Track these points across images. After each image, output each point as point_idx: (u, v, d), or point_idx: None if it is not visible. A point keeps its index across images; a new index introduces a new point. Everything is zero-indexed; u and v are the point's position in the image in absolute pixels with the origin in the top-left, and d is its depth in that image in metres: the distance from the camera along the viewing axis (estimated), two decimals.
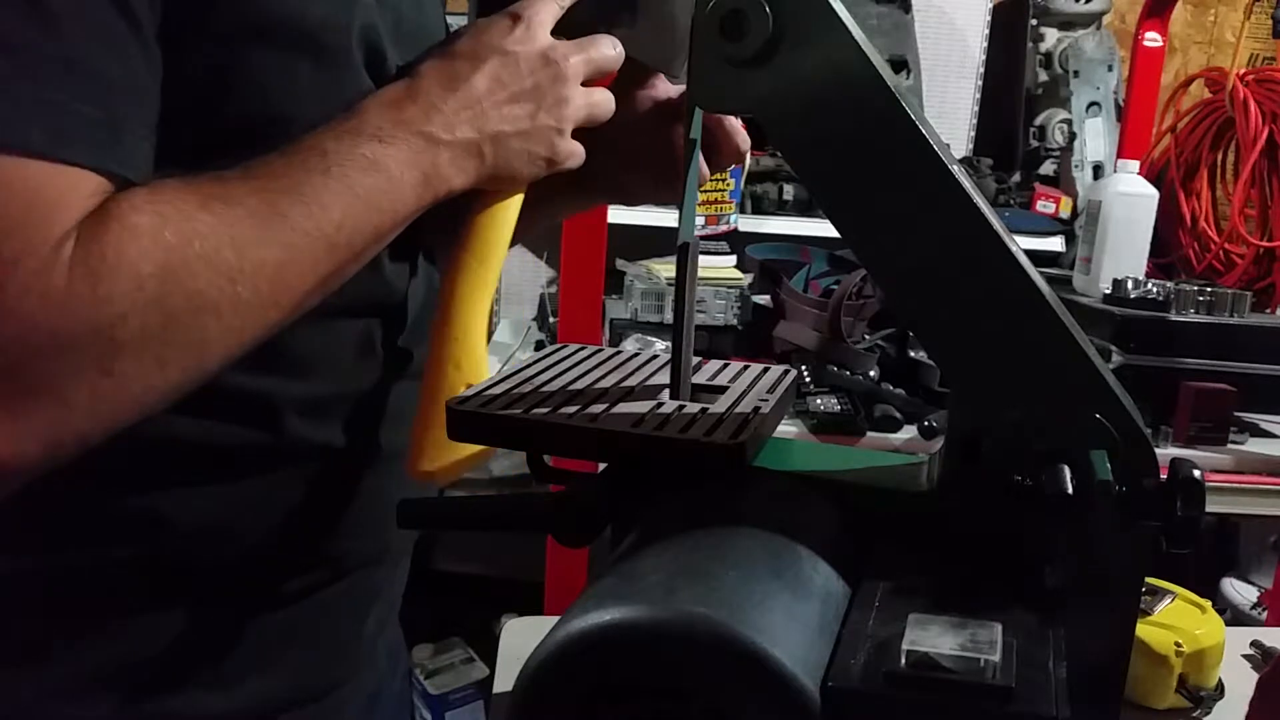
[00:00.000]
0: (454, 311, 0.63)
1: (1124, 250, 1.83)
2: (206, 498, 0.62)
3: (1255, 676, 0.87)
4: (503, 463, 2.30)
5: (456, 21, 0.77)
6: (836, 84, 0.48)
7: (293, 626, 0.68)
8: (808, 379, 1.59)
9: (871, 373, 1.62)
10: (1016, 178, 2.29)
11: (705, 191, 1.76)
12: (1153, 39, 2.19)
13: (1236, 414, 1.55)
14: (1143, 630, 0.89)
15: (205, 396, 0.58)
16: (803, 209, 2.04)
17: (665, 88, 0.73)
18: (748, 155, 0.75)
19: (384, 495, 0.69)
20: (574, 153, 0.64)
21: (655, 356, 0.65)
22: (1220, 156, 2.18)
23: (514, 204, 0.64)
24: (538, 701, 0.40)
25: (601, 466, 0.55)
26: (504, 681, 0.99)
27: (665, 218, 1.95)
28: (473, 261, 0.64)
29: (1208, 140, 2.15)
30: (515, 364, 0.62)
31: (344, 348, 0.66)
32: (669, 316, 1.69)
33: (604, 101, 0.65)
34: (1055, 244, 2.18)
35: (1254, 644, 1.04)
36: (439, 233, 0.69)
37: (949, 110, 2.37)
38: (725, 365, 0.65)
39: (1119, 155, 2.13)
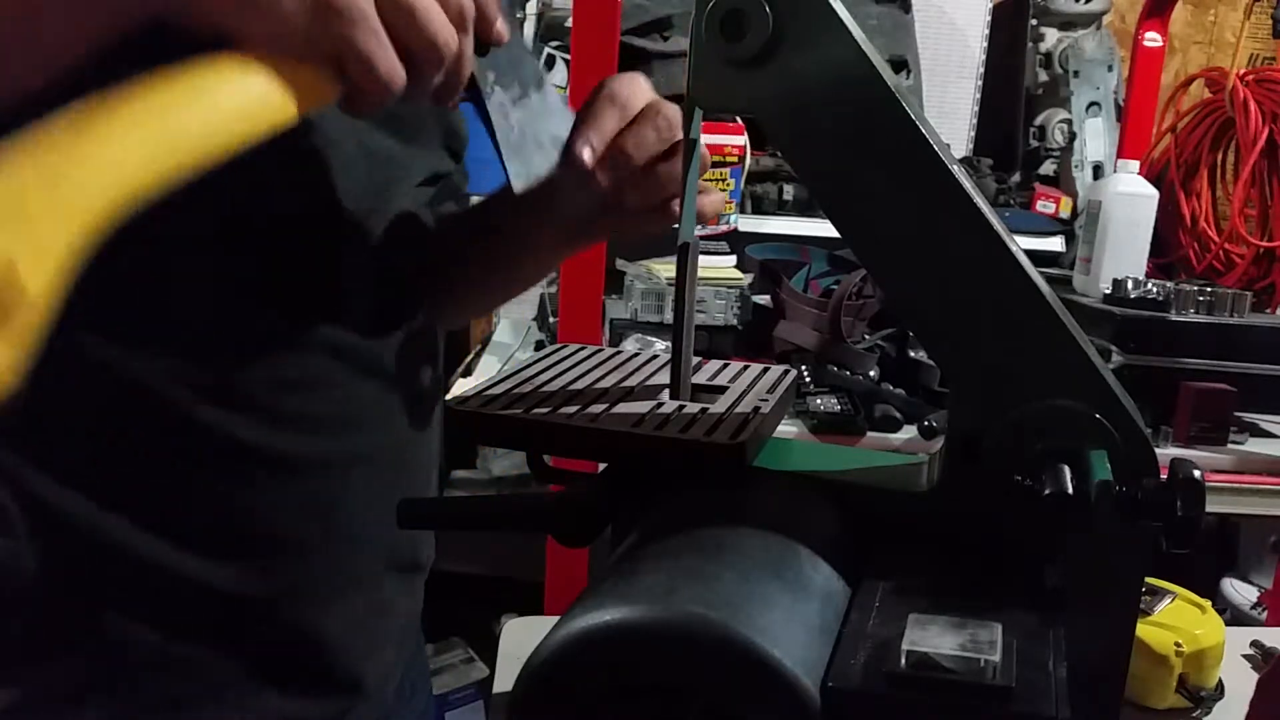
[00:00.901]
0: (101, 117, 0.38)
1: (1124, 250, 1.83)
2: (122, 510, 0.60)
3: (1255, 676, 0.88)
4: (503, 463, 2.31)
5: None
6: (836, 84, 0.48)
7: (258, 657, 0.65)
8: (808, 379, 1.59)
9: (871, 373, 1.62)
10: (1016, 178, 2.29)
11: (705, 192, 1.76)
12: (1153, 39, 2.19)
13: (1236, 414, 1.55)
14: (1143, 630, 0.89)
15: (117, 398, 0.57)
16: (803, 209, 2.04)
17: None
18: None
19: (345, 512, 0.66)
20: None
21: (655, 356, 0.65)
22: (1220, 156, 2.17)
23: (250, 86, 0.43)
24: (537, 701, 0.40)
25: (601, 466, 0.55)
26: (504, 681, 0.99)
27: None
28: (178, 96, 0.41)
29: (1208, 140, 2.15)
30: (515, 364, 0.62)
31: (293, 351, 0.64)
32: (669, 316, 1.69)
33: None
34: (1055, 244, 2.18)
35: (1254, 644, 1.05)
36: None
37: (949, 110, 2.37)
38: (725, 365, 0.65)
39: (1119, 155, 2.13)
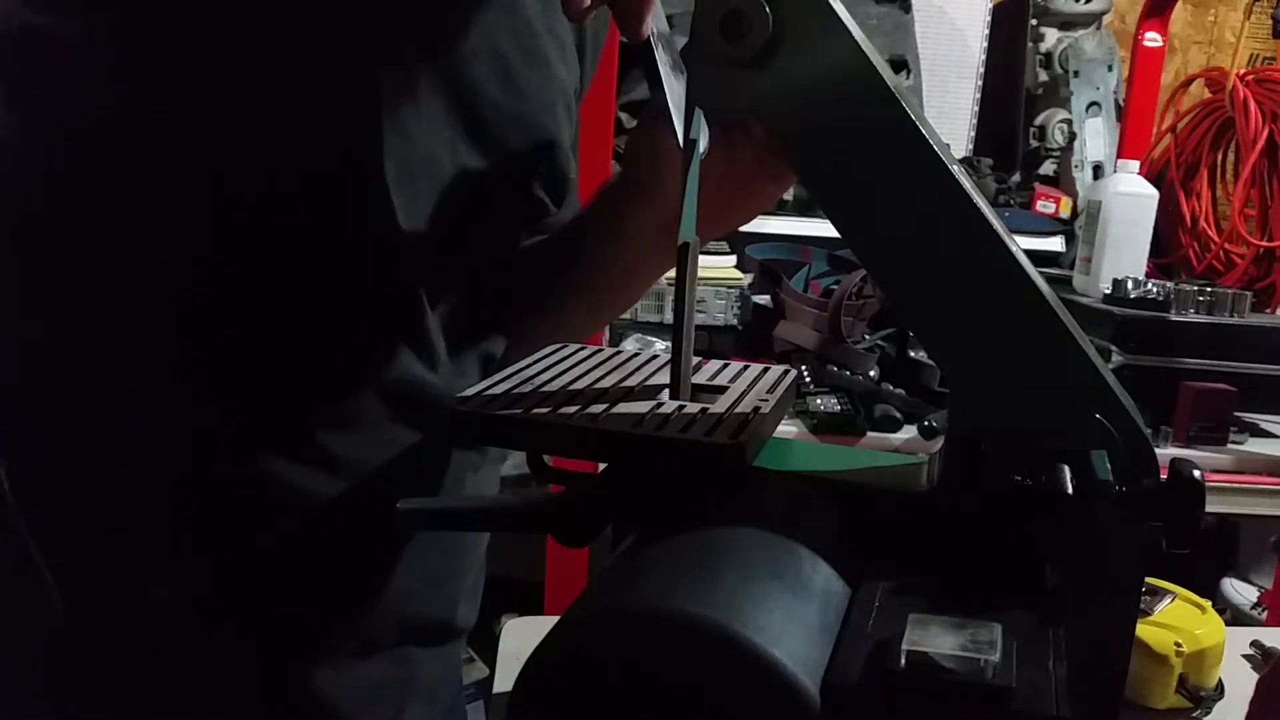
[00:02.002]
0: None
1: (1124, 250, 1.83)
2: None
3: (1255, 676, 0.88)
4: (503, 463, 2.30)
5: None
6: (837, 84, 0.48)
7: (262, 716, 0.61)
8: (808, 379, 1.59)
9: (871, 373, 1.62)
10: (1016, 178, 2.29)
11: None
12: (1153, 39, 2.19)
13: (1236, 414, 1.55)
14: (1143, 630, 0.89)
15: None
16: (803, 209, 2.04)
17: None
18: None
19: (378, 570, 0.62)
20: None
21: (655, 356, 0.65)
22: (1220, 156, 2.17)
23: None
24: (536, 700, 0.40)
25: (602, 466, 0.55)
26: (504, 681, 0.99)
27: None
28: None
29: (1208, 140, 2.15)
30: (515, 364, 0.62)
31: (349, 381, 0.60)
32: (669, 316, 1.69)
33: None
34: (1055, 244, 2.18)
35: (1254, 644, 1.05)
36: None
37: (949, 110, 2.36)
38: (725, 365, 0.65)
39: (1119, 155, 2.13)
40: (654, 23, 0.56)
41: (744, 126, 0.61)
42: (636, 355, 0.65)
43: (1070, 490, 0.45)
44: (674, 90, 0.57)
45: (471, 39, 0.60)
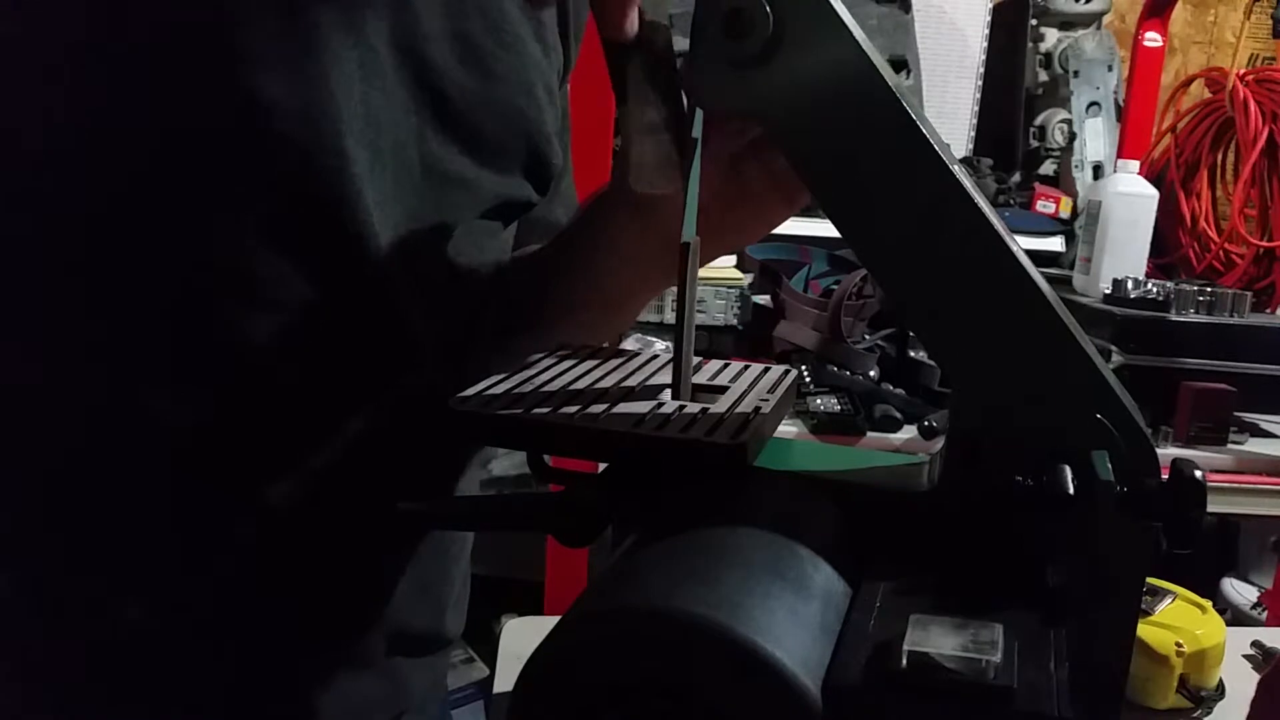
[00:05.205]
0: None
1: (1124, 250, 1.83)
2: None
3: (1255, 676, 0.88)
4: (503, 463, 2.30)
5: None
6: (838, 84, 0.48)
7: None
8: (808, 379, 1.59)
9: (871, 373, 1.62)
10: (1016, 178, 2.29)
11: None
12: (1153, 39, 2.19)
13: (1236, 414, 1.55)
14: (1143, 630, 0.90)
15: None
16: (803, 209, 2.03)
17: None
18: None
19: (366, 584, 0.62)
20: None
21: (655, 356, 0.65)
22: (1220, 156, 2.18)
23: None
24: (537, 701, 0.40)
25: (602, 466, 0.55)
26: (504, 681, 1.00)
27: None
28: None
29: (1208, 140, 2.15)
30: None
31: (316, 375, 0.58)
32: (669, 316, 1.69)
33: None
34: (1055, 244, 2.18)
35: (1254, 644, 1.05)
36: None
37: (949, 110, 2.37)
38: (725, 365, 0.65)
39: (1119, 155, 2.14)
40: (654, 36, 0.54)
41: (756, 152, 0.60)
42: (636, 355, 0.65)
43: (1071, 490, 0.45)
44: (656, 114, 0.55)
45: (433, 21, 0.58)
